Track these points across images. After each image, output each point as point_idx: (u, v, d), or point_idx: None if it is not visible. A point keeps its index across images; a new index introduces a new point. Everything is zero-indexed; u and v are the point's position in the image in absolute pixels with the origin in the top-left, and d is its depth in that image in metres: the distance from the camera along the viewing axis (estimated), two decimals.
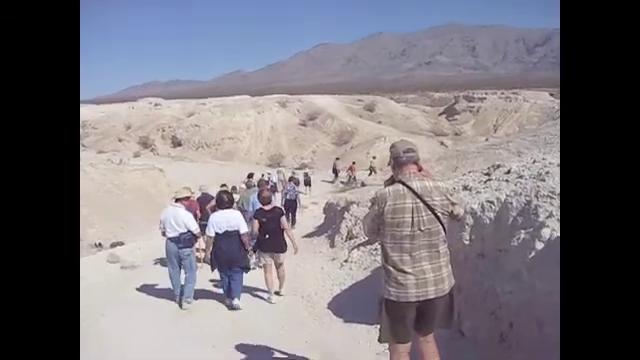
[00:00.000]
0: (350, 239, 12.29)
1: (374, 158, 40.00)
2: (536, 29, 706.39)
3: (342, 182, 33.30)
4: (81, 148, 64.87)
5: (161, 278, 9.79)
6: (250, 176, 18.40)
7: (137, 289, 9.93)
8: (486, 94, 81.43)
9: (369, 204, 3.93)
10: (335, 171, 38.09)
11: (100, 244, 19.59)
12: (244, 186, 15.14)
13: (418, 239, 3.58)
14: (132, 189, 23.50)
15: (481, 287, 5.09)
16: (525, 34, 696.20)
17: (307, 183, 31.87)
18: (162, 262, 11.77)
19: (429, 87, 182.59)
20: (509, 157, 16.52)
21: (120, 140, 70.63)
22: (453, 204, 3.73)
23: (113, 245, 18.29)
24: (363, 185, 20.40)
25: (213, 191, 12.73)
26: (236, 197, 12.60)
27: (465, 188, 6.59)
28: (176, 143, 67.89)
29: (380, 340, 3.90)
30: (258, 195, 9.44)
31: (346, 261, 10.40)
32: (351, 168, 34.58)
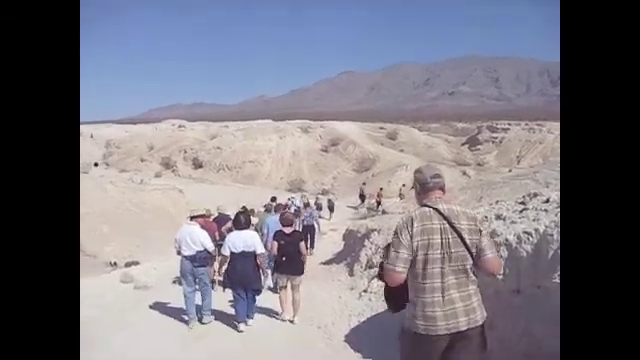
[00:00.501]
0: (370, 268, 11.85)
1: (404, 186, 39.47)
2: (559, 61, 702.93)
3: (368, 208, 32.86)
4: (103, 167, 66.08)
5: (174, 299, 9.55)
6: (273, 200, 18.10)
7: (148, 310, 9.71)
8: (509, 125, 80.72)
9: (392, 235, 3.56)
10: (362, 196, 37.55)
11: (115, 263, 19.37)
12: (262, 209, 15.01)
13: (447, 263, 3.33)
14: (151, 208, 23.33)
15: (516, 327, 4.65)
16: (549, 67, 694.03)
17: (331, 209, 31.69)
18: (177, 283, 11.58)
19: (452, 117, 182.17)
20: (537, 187, 15.98)
21: (142, 160, 71.17)
22: (483, 241, 3.43)
23: (128, 264, 18.07)
24: (384, 213, 19.95)
25: (232, 213, 12.44)
26: (254, 220, 12.79)
27: (498, 217, 6.16)
28: (197, 165, 67.95)
29: None
30: (280, 216, 9.26)
31: (365, 291, 9.97)
32: (379, 194, 34.13)
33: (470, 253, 3.37)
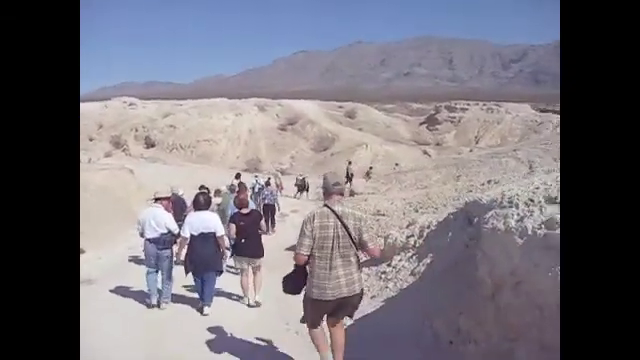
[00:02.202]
0: None
1: (371, 168, 37.94)
2: (512, 45, 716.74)
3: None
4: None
5: (119, 297, 8.53)
6: (238, 177, 17.89)
7: (90, 309, 8.05)
8: (468, 105, 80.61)
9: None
10: (349, 176, 34.02)
11: None
12: (225, 189, 14.49)
13: (336, 250, 4.65)
14: (97, 190, 21.20)
15: None
16: (501, 50, 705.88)
17: (302, 188, 28.89)
18: (124, 278, 10.18)
19: (407, 98, 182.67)
20: (518, 166, 15.01)
21: (91, 139, 68.06)
22: (364, 233, 4.82)
23: None
24: (352, 194, 18.53)
25: (190, 195, 12.23)
26: (218, 200, 12.66)
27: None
28: (149, 144, 65.80)
29: (301, 321, 5.20)
30: (235, 199, 9.32)
31: None
32: (368, 173, 31.86)
33: (354, 244, 4.73)
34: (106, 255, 13.62)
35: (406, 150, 56.38)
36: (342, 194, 5.06)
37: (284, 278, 5.03)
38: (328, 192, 4.90)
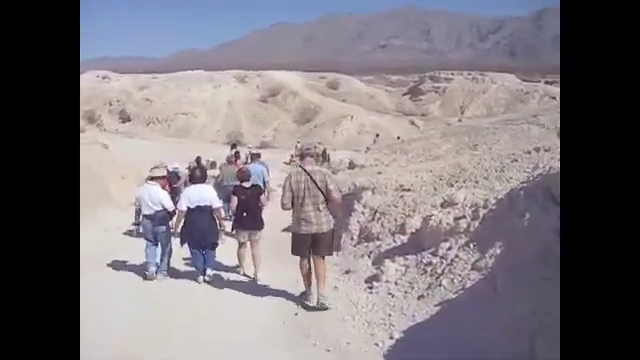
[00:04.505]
0: (367, 240, 8.78)
1: (377, 136, 35.64)
2: (489, 16, 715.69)
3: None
4: None
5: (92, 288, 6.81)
6: (234, 147, 18.10)
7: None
8: (452, 75, 78.94)
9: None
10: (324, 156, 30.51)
11: None
12: (224, 161, 14.32)
13: (307, 198, 6.13)
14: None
15: None
16: (478, 21, 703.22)
17: (324, 158, 25.28)
18: (98, 269, 8.63)
19: (385, 70, 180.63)
20: (546, 134, 13.39)
21: None
22: (329, 185, 6.17)
23: None
24: (352, 167, 16.68)
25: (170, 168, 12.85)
26: (215, 172, 13.30)
27: None
28: (125, 118, 63.54)
29: (292, 252, 6.52)
30: (238, 171, 9.38)
31: (375, 279, 6.93)
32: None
33: (322, 192, 6.15)
34: (82, 235, 11.72)
35: (392, 120, 54.84)
36: (313, 156, 6.64)
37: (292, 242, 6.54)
38: (302, 156, 6.61)
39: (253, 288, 7.58)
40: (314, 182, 6.11)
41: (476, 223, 6.43)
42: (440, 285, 5.83)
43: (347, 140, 43.29)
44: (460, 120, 46.11)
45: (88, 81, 75.78)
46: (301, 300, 6.59)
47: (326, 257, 6.61)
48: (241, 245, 8.38)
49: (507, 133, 14.39)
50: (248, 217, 8.13)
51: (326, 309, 6.18)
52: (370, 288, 6.77)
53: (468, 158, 11.16)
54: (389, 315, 5.82)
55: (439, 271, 6.20)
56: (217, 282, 7.93)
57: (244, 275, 8.40)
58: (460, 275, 5.78)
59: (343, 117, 52.65)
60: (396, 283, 6.55)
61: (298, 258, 6.49)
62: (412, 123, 53.82)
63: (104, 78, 77.59)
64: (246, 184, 8.34)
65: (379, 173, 10.63)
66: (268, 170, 15.10)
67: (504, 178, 8.39)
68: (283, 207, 6.35)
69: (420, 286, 6.19)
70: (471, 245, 6.13)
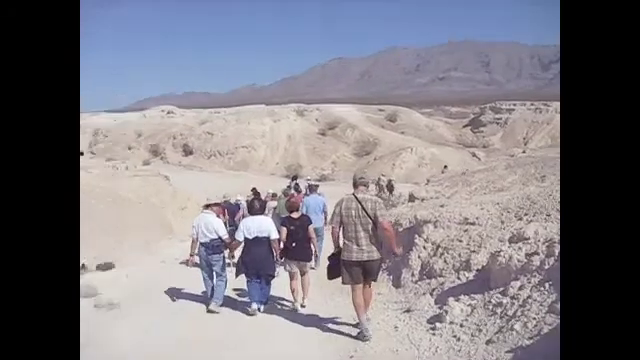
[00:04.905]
0: (429, 277, 8.29)
1: (446, 167, 34.85)
2: (551, 45, 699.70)
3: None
4: (89, 156, 62.26)
5: (141, 328, 7.28)
6: (294, 178, 18.80)
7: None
8: (514, 105, 77.22)
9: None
10: (382, 187, 28.74)
11: (84, 265, 15.48)
12: (281, 194, 14.68)
13: (357, 226, 6.25)
14: (129, 199, 19.45)
15: None
16: (539, 51, 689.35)
17: (388, 189, 24.82)
18: (151, 301, 8.85)
19: (444, 102, 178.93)
20: None
21: (130, 148, 67.94)
22: (377, 211, 6.27)
23: (101, 267, 14.28)
24: (413, 199, 16.15)
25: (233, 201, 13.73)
26: (274, 204, 13.14)
27: None
28: (188, 152, 65.34)
29: (343, 282, 6.59)
30: (286, 202, 9.59)
31: (438, 320, 6.42)
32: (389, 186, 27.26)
33: (372, 220, 6.24)
34: (135, 273, 11.72)
35: (453, 153, 53.66)
36: (366, 185, 6.72)
37: (327, 267, 6.89)
38: (355, 184, 6.57)
39: (306, 321, 7.45)
40: (364, 210, 6.24)
41: (551, 260, 5.86)
42: (512, 329, 5.29)
43: (406, 173, 42.57)
44: (524, 152, 44.70)
45: (154, 117, 78.80)
46: (358, 333, 6.49)
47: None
48: (292, 276, 8.36)
49: None
50: (297, 248, 8.17)
51: (368, 339, 6.29)
52: (433, 329, 6.28)
53: (537, 190, 10.51)
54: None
55: (510, 313, 5.65)
56: (269, 313, 8.00)
57: (297, 309, 8.22)
58: (535, 319, 5.21)
59: (402, 149, 51.95)
60: (461, 325, 6.04)
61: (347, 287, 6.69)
62: (474, 155, 52.53)
63: (168, 113, 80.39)
64: (295, 214, 8.43)
65: (441, 206, 10.13)
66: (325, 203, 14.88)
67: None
68: (331, 230, 6.64)
69: (489, 329, 5.65)
70: (546, 285, 5.56)
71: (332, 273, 6.77)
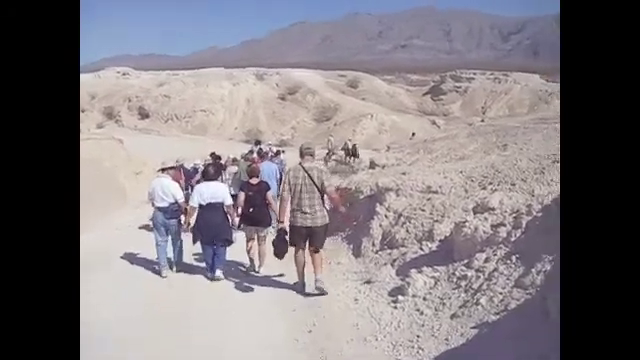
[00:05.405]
0: (390, 247, 8.04)
1: (413, 134, 34.79)
2: (511, 17, 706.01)
3: (337, 161, 26.57)
4: None
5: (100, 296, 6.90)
6: (258, 143, 18.69)
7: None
8: (474, 74, 77.76)
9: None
10: (348, 152, 28.24)
11: None
12: (241, 158, 14.68)
13: (304, 194, 6.55)
14: (82, 161, 18.61)
15: None
16: (500, 21, 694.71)
17: (352, 153, 25.23)
18: (108, 269, 8.46)
19: (405, 69, 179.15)
20: None
21: (82, 110, 65.40)
22: (324, 181, 6.62)
23: None
24: (373, 166, 15.90)
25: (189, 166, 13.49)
26: (234, 169, 13.04)
27: None
28: (144, 115, 63.69)
29: (290, 244, 6.79)
30: (247, 167, 9.53)
31: (400, 292, 6.18)
32: (353, 150, 26.81)
33: (317, 188, 6.56)
34: (86, 240, 11.13)
35: (413, 120, 53.84)
36: (312, 155, 6.97)
37: (273, 243, 6.92)
38: (302, 154, 6.88)
39: (263, 291, 7.35)
40: (311, 178, 6.56)
41: (518, 232, 5.64)
42: (477, 304, 5.05)
43: (366, 139, 42.41)
44: (483, 120, 45.06)
45: (108, 78, 76.22)
46: (298, 289, 6.98)
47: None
48: (249, 241, 8.40)
49: (539, 133, 13.54)
50: (254, 213, 8.18)
51: (324, 294, 6.59)
52: (395, 302, 6.02)
53: (501, 159, 10.35)
54: (417, 337, 5.07)
55: (475, 287, 5.41)
56: (226, 279, 7.91)
57: (255, 272, 8.36)
58: (501, 293, 4.97)
59: (363, 116, 51.77)
60: (424, 298, 5.78)
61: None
62: (433, 123, 52.77)
63: (124, 75, 77.96)
64: (254, 180, 8.40)
65: (403, 174, 9.84)
66: (284, 169, 14.60)
67: (544, 181, 7.58)
68: (280, 200, 6.96)
69: (453, 303, 5.41)
70: (513, 258, 5.32)
71: (279, 249, 6.87)
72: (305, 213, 6.59)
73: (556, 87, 69.63)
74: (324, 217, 6.71)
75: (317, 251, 6.74)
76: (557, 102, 61.93)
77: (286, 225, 6.83)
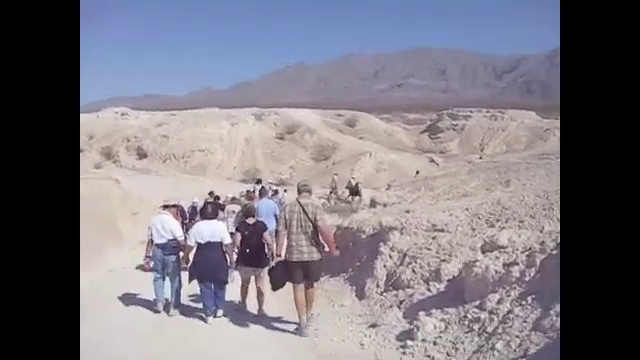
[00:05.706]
0: (395, 288, 7.74)
1: (417, 173, 34.35)
2: (504, 56, 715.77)
3: (339, 199, 25.54)
4: None
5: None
6: (259, 182, 18.15)
7: None
8: (471, 112, 78.34)
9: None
10: (334, 190, 27.97)
11: None
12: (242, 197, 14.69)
13: (298, 229, 6.75)
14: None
15: None
16: (493, 59, 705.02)
17: (355, 192, 23.93)
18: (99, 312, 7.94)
19: (402, 108, 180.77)
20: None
21: (81, 151, 65.50)
22: (317, 216, 6.77)
23: None
24: (374, 205, 15.64)
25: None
26: (236, 207, 12.46)
27: None
28: (142, 155, 63.68)
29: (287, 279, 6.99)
30: (242, 207, 9.57)
31: (409, 336, 5.87)
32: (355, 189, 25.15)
33: (312, 224, 6.72)
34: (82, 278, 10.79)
35: (411, 158, 53.86)
36: (309, 192, 7.28)
37: (269, 277, 7.22)
38: (299, 191, 7.18)
39: (262, 330, 7.31)
40: (306, 214, 6.74)
41: (532, 271, 5.37)
42: (493, 349, 4.76)
43: (365, 178, 42.17)
44: (481, 157, 45.07)
45: (107, 118, 76.60)
46: (296, 329, 7.03)
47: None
48: (244, 282, 8.36)
49: (542, 169, 13.36)
50: (251, 254, 8.02)
51: (306, 336, 6.78)
52: (403, 347, 5.73)
53: (507, 195, 10.12)
54: None
55: (490, 330, 5.13)
56: (225, 320, 7.85)
57: (248, 311, 8.30)
58: (518, 337, 4.69)
59: (361, 154, 51.80)
60: (435, 343, 5.50)
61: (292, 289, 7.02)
62: (432, 160, 52.81)
63: (122, 115, 78.37)
64: (250, 220, 8.25)
65: (407, 212, 9.62)
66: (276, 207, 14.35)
67: (554, 217, 7.34)
68: (277, 234, 7.14)
69: (467, 348, 5.13)
70: (529, 299, 5.06)
71: (275, 283, 7.11)
72: (301, 247, 6.73)
73: (552, 123, 70.11)
74: (319, 252, 6.86)
75: (312, 286, 6.96)
76: (554, 138, 62.29)
77: (283, 258, 6.93)
